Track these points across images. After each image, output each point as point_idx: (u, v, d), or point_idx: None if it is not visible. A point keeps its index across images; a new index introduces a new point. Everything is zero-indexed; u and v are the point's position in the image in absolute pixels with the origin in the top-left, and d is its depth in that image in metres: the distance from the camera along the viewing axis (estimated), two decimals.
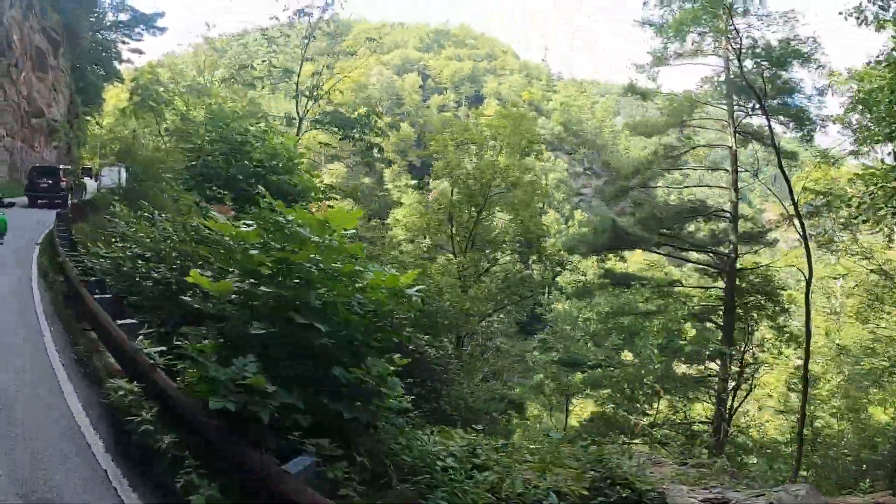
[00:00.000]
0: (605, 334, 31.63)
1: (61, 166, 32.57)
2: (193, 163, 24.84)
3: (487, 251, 33.82)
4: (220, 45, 55.64)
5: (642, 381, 23.81)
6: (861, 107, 14.69)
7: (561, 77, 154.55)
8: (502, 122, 32.99)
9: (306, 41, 43.71)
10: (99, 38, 51.63)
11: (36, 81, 38.29)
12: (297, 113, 41.75)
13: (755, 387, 23.71)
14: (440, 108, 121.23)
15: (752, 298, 22.65)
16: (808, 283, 18.22)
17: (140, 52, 54.12)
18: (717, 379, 22.70)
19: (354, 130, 40.65)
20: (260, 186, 11.11)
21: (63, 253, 13.85)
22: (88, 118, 53.09)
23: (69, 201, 27.53)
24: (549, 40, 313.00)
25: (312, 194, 28.19)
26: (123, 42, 52.73)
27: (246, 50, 60.78)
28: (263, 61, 44.68)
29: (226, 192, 20.84)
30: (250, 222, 6.32)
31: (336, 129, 41.27)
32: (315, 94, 41.47)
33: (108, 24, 52.48)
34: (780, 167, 19.31)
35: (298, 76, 43.16)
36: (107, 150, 70.44)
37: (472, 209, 31.63)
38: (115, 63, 53.07)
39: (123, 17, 52.22)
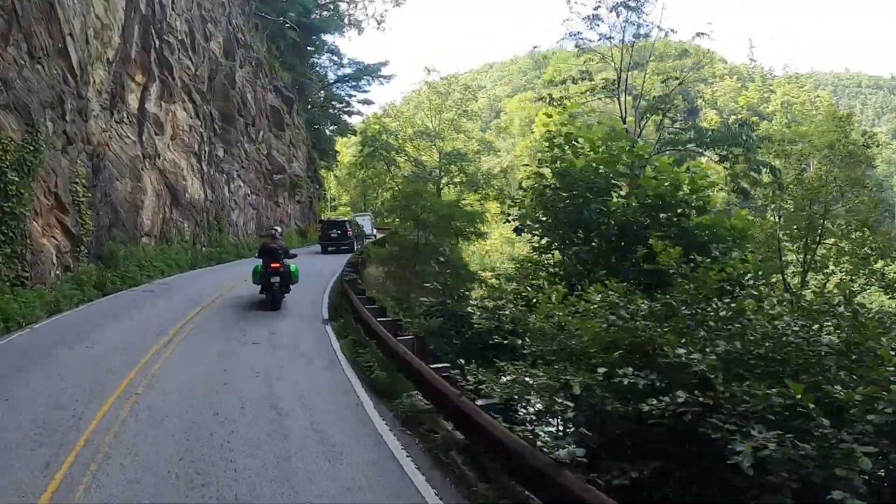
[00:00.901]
0: None
1: (347, 219, 39.59)
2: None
3: None
4: (442, 87, 56.26)
5: None
6: None
7: (773, 73, 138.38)
8: None
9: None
10: (329, 93, 54.65)
11: (274, 140, 39.97)
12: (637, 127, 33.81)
13: None
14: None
15: None
16: None
17: (369, 102, 57.43)
18: None
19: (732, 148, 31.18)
20: None
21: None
22: (325, 171, 56.35)
23: (355, 247, 33.28)
24: (752, 36, 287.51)
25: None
26: (351, 95, 55.26)
27: (470, 89, 61.25)
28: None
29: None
30: None
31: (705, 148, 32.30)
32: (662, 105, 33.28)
33: (334, 79, 55.49)
34: None
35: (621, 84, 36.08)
36: (339, 202, 74.99)
37: None
38: (346, 116, 56.21)
39: (347, 69, 54.83)
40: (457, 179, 54.11)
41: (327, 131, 54.74)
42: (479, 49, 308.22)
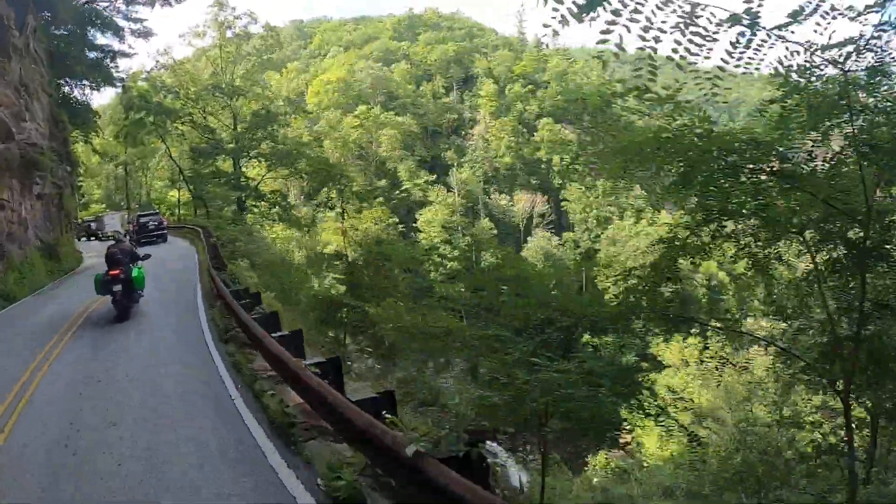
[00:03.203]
0: None
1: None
2: None
3: None
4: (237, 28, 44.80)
5: None
6: None
7: (544, 45, 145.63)
8: None
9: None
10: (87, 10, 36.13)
11: None
12: None
13: None
14: (433, 95, 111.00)
15: None
16: None
17: (147, 33, 39.53)
18: None
19: None
20: None
21: None
22: (80, 146, 40.83)
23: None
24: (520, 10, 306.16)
25: None
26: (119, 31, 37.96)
27: (274, 31, 50.62)
28: None
29: None
30: None
31: None
32: None
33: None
34: None
35: None
36: (91, 197, 58.50)
37: None
38: (110, 63, 38.33)
39: None
40: (265, 149, 43.75)
41: (85, 83, 36.93)
42: None
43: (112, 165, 56.82)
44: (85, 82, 36.55)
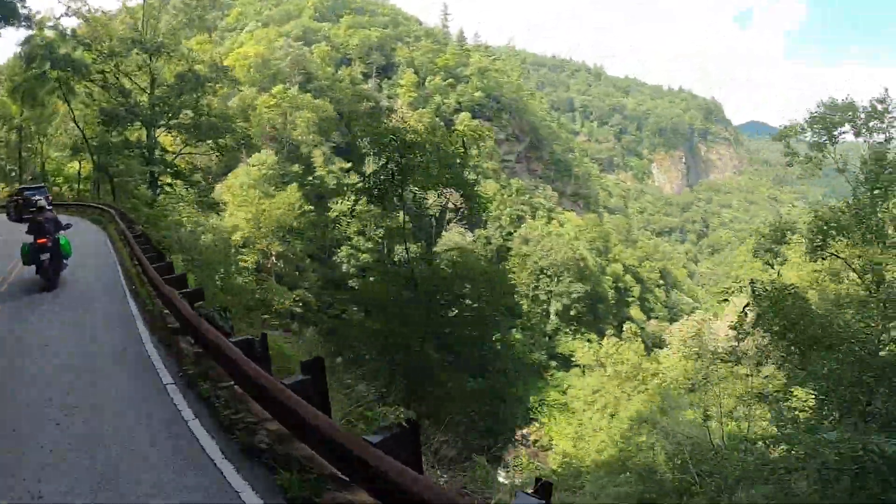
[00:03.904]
0: None
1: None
2: None
3: None
4: None
5: None
6: None
7: (465, 39, 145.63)
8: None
9: None
10: None
11: None
12: None
13: None
14: (351, 81, 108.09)
15: None
16: None
17: None
18: None
19: None
20: None
21: None
22: None
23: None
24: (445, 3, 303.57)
25: None
26: None
27: None
28: None
29: None
30: None
31: None
32: None
33: None
34: None
35: None
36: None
37: None
38: None
39: None
40: (183, 120, 39.80)
41: None
42: None
43: (4, 130, 49.82)
44: None
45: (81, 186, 48.97)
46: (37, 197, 25.60)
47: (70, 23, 40.64)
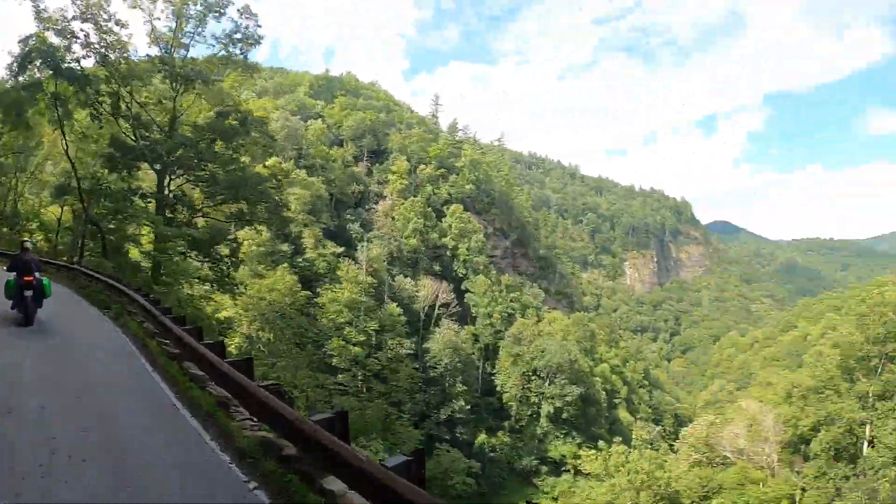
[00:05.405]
0: None
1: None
2: None
3: None
4: None
5: None
6: None
7: (458, 130, 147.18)
8: None
9: None
10: None
11: None
12: None
13: None
14: (343, 162, 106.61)
15: None
16: None
17: None
18: None
19: None
20: None
21: None
22: None
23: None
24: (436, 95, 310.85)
25: None
26: None
27: None
28: None
29: None
30: None
31: None
32: None
33: None
34: None
35: None
36: None
37: None
38: None
39: None
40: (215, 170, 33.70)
41: None
42: None
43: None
44: None
45: (60, 238, 40.54)
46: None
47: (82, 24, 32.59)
